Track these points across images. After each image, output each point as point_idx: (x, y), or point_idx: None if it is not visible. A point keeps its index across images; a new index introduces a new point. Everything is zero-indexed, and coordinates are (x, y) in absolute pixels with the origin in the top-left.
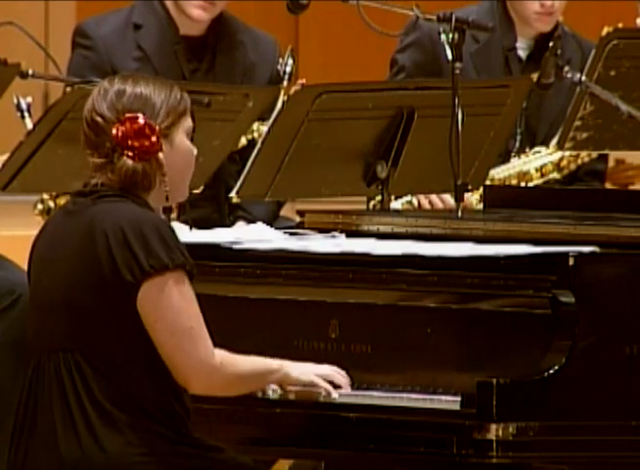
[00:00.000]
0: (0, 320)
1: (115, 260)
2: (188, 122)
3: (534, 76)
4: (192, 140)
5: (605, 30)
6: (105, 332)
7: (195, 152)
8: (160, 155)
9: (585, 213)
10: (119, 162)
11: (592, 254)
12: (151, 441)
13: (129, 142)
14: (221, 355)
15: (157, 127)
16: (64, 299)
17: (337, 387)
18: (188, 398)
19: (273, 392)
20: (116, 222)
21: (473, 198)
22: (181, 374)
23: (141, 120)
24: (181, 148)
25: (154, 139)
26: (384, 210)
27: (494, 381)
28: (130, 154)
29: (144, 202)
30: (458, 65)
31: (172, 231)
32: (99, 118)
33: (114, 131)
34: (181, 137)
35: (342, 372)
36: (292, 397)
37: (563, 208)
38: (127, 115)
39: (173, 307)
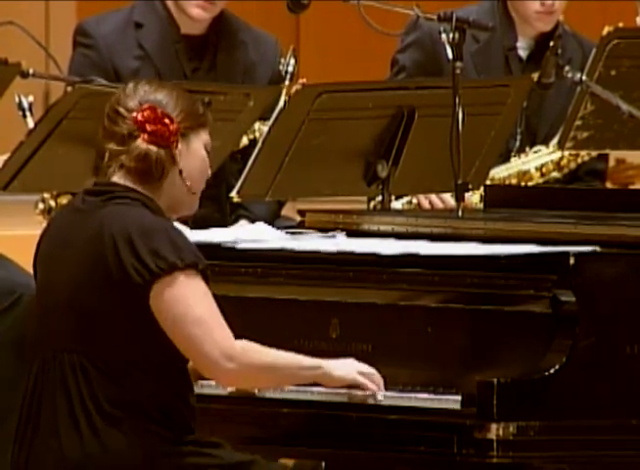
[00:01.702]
0: (1, 320)
1: (124, 263)
2: (207, 136)
3: (535, 76)
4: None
5: (605, 30)
6: (110, 334)
7: (209, 173)
8: (176, 151)
9: (586, 213)
10: (134, 144)
11: (593, 253)
12: (153, 441)
13: (147, 126)
14: (243, 343)
15: (175, 121)
16: (69, 299)
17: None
18: (193, 398)
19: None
20: (124, 227)
21: (473, 198)
22: (203, 365)
23: (160, 109)
24: (197, 154)
25: (172, 127)
26: (384, 209)
27: (495, 380)
28: (146, 137)
29: (156, 206)
30: (459, 64)
31: (182, 234)
32: (121, 109)
33: (134, 114)
34: (199, 145)
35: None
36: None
37: (563, 207)
38: (147, 104)
39: (186, 300)
